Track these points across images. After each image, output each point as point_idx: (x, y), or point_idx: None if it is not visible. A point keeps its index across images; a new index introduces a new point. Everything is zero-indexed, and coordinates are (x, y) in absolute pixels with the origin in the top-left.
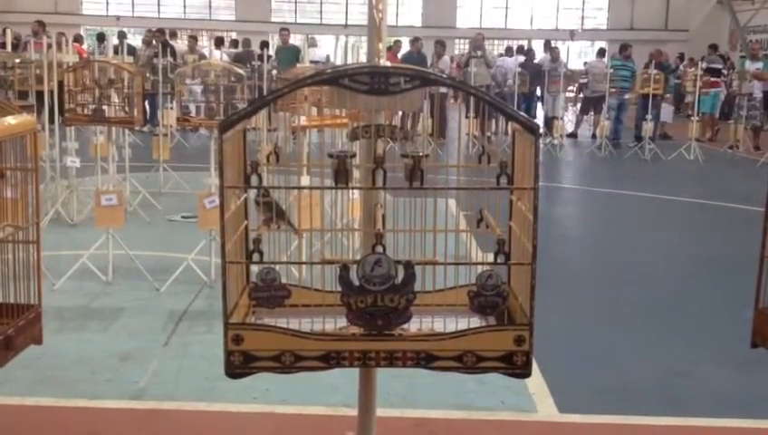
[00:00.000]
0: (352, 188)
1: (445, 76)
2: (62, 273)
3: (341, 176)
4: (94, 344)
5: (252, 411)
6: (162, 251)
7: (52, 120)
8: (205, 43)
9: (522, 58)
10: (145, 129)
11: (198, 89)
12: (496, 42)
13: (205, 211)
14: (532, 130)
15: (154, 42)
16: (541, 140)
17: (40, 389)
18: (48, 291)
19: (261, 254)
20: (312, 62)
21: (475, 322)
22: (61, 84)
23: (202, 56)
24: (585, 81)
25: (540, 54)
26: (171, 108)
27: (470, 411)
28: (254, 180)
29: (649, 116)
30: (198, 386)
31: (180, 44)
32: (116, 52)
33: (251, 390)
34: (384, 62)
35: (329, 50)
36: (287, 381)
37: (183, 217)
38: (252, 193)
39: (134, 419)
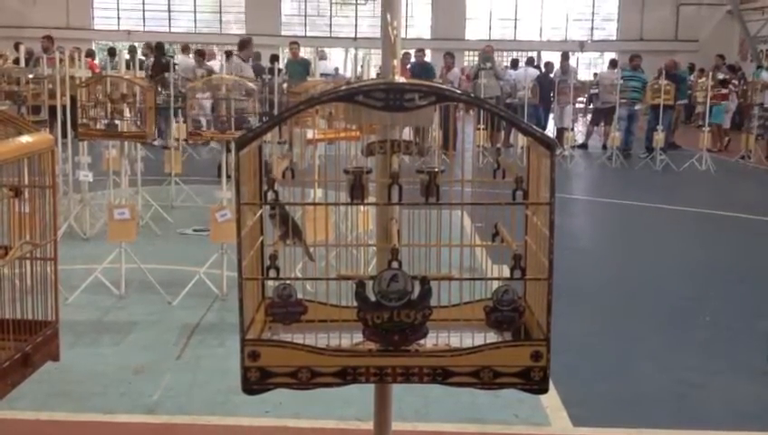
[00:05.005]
0: (369, 204)
1: (459, 92)
2: (75, 287)
3: (357, 191)
4: (107, 358)
5: (265, 425)
6: (174, 264)
7: (64, 135)
8: (218, 57)
9: (532, 70)
10: (156, 142)
11: (208, 103)
12: (506, 53)
13: (217, 225)
14: (549, 145)
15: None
16: None
17: (54, 403)
18: (61, 305)
19: (277, 270)
20: (321, 75)
21: (492, 337)
22: (73, 99)
23: (210, 71)
24: (596, 92)
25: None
26: (183, 122)
27: (484, 425)
28: (270, 197)
29: (660, 126)
30: (211, 400)
31: (183, 58)
32: (127, 66)
33: (264, 404)
34: (399, 78)
35: (338, 63)
36: (300, 394)
37: (195, 230)
38: (267, 207)
39: (147, 433)
